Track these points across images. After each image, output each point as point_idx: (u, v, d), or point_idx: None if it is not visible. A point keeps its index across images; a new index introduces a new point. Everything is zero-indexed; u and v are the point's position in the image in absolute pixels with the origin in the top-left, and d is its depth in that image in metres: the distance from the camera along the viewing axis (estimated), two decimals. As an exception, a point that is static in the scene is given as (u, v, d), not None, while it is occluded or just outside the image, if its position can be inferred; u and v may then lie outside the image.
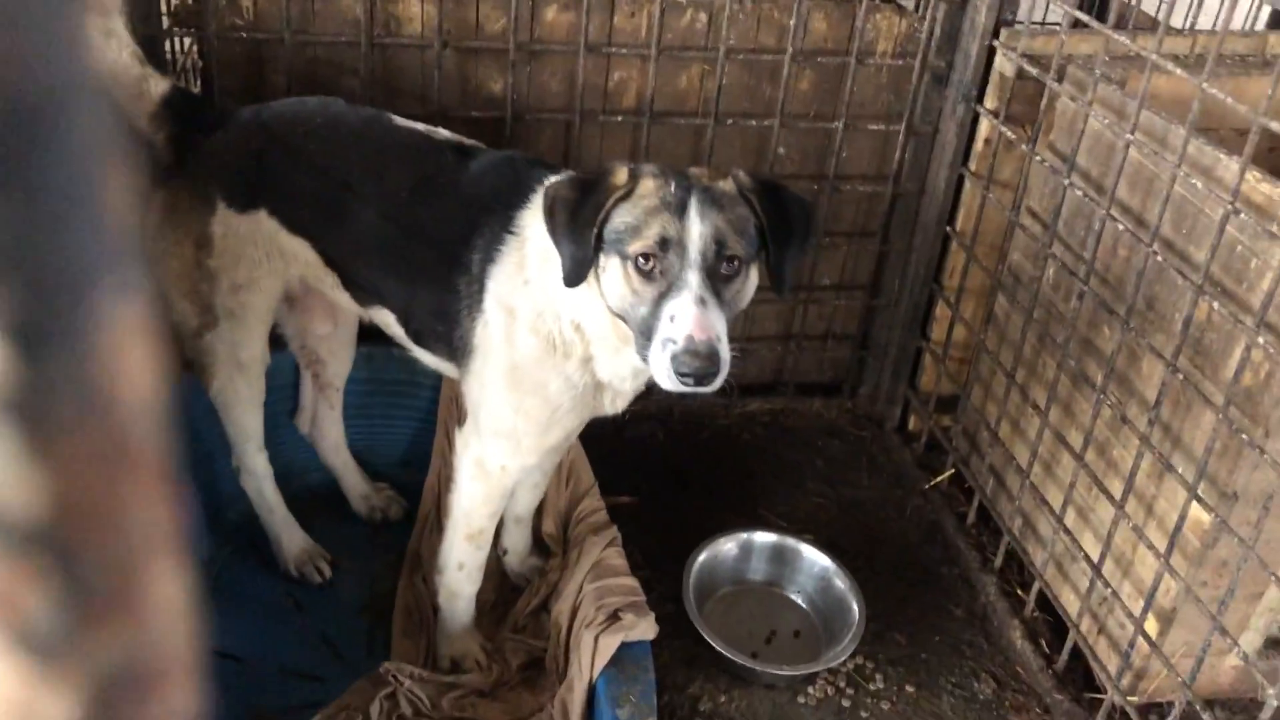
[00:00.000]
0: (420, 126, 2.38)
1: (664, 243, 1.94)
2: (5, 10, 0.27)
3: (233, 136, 2.37)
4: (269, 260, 2.42)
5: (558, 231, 2.01)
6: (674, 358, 1.89)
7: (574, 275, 2.01)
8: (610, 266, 2.00)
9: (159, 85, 2.37)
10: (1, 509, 0.30)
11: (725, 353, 1.92)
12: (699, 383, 1.90)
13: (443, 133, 2.38)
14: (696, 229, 1.95)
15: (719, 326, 1.93)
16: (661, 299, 1.94)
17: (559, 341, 2.17)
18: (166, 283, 2.47)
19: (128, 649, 0.33)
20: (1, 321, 0.29)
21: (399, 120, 2.38)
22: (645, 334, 1.96)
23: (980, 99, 3.08)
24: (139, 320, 0.32)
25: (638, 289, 1.97)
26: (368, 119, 2.39)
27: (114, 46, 2.30)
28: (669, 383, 1.92)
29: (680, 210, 1.96)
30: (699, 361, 1.87)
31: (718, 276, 1.97)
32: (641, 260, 1.95)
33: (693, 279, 1.93)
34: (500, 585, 2.84)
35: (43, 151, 0.28)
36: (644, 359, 1.98)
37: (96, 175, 0.30)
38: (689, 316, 1.90)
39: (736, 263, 1.99)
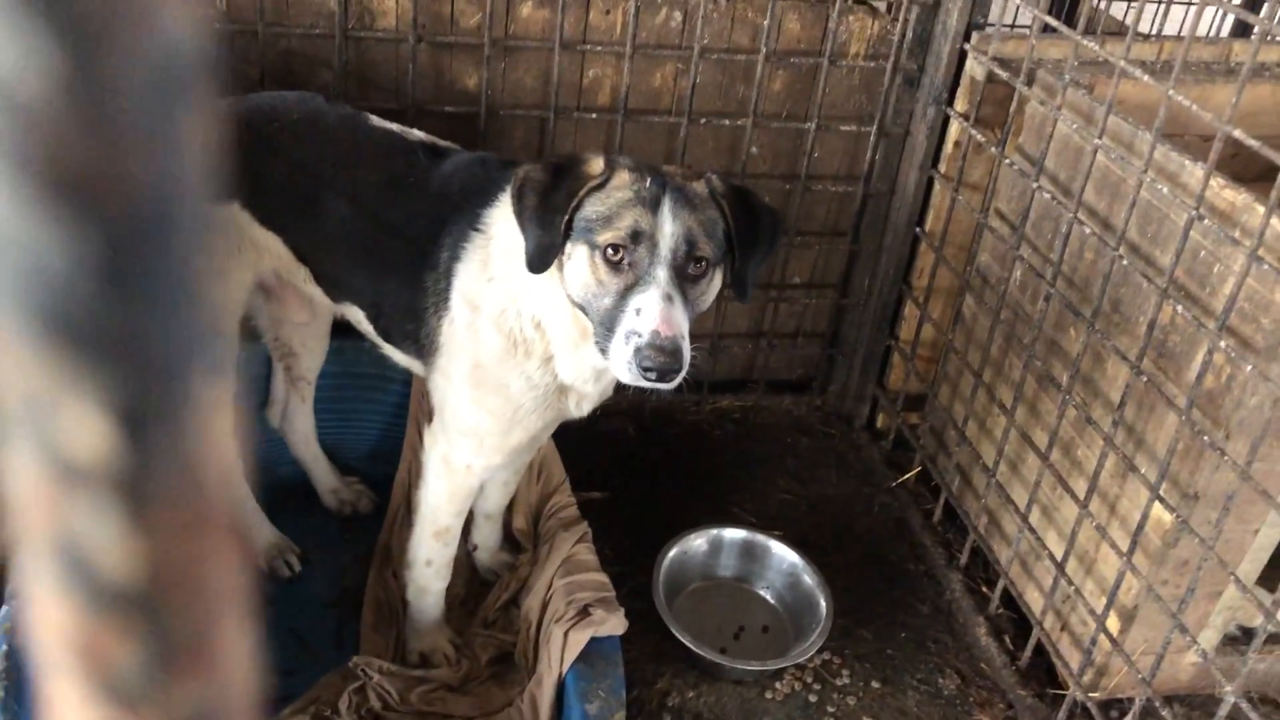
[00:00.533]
0: (395, 127, 2.38)
1: (636, 235, 1.95)
2: (133, 126, 0.29)
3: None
4: (240, 252, 2.42)
5: (525, 214, 2.00)
6: (638, 350, 1.89)
7: (538, 260, 2.00)
8: (577, 255, 2.00)
9: None
10: (101, 572, 0.33)
11: (688, 351, 1.93)
12: (660, 378, 1.91)
13: (416, 133, 2.38)
14: (669, 226, 1.96)
15: (683, 324, 1.94)
16: (628, 291, 1.94)
17: (520, 339, 2.17)
18: None
19: (202, 698, 0.36)
20: (111, 405, 0.32)
21: (375, 120, 2.38)
22: (607, 325, 1.96)
23: (951, 101, 3.11)
24: (221, 399, 0.35)
25: (603, 279, 1.97)
26: (344, 117, 2.38)
27: None
28: (628, 375, 1.93)
29: (654, 206, 1.97)
30: (663, 357, 1.88)
31: (685, 276, 1.98)
32: (610, 251, 1.96)
33: (661, 275, 1.94)
34: (470, 580, 2.85)
35: (154, 251, 0.31)
36: (603, 351, 1.97)
37: (197, 270, 0.33)
38: (655, 311, 1.91)
39: (704, 264, 2.00)
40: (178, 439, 0.33)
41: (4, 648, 1.92)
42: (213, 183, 0.33)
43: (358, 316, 2.45)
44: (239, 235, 2.39)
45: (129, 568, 0.33)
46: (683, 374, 1.93)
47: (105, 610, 0.34)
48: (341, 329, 2.79)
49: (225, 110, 2.30)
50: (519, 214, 2.01)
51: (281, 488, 2.98)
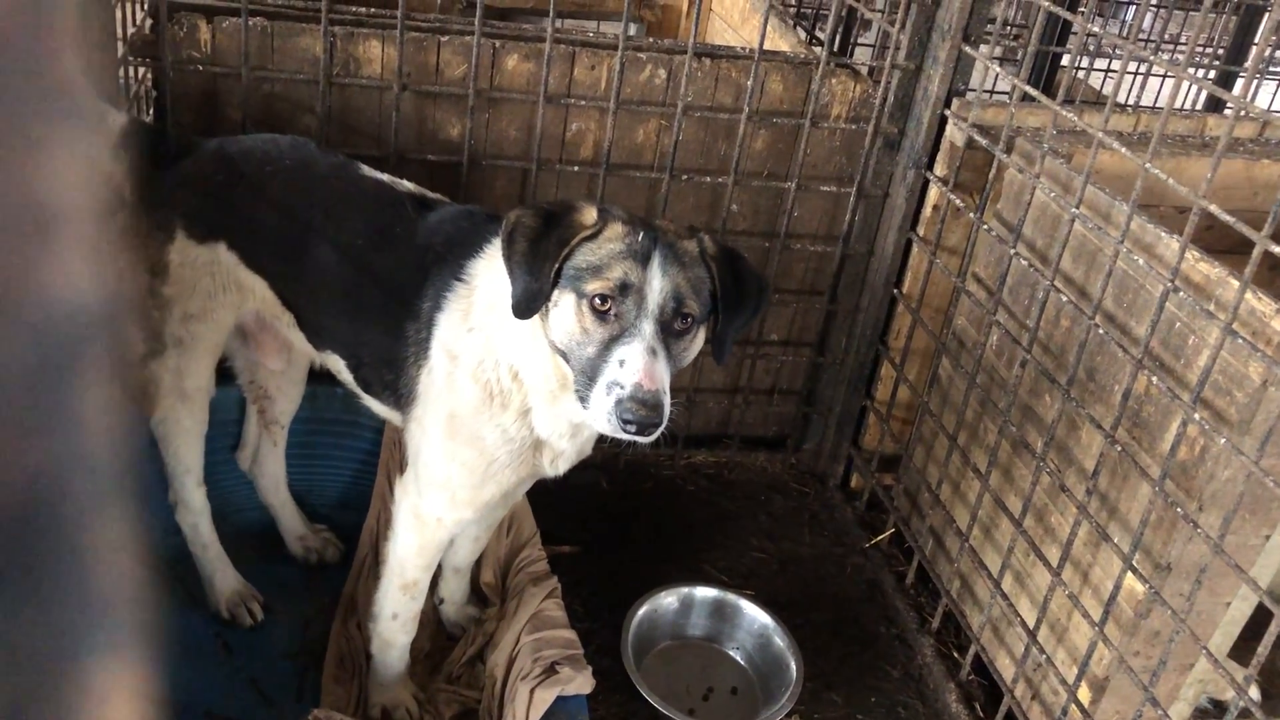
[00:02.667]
0: (385, 177, 2.38)
1: (624, 287, 1.94)
2: (4, 414, 0.25)
3: (198, 167, 2.36)
4: (224, 293, 2.40)
5: (514, 259, 1.99)
6: (619, 402, 1.88)
7: (524, 306, 1.99)
8: (564, 302, 1.99)
9: (116, 119, 2.36)
10: None
11: (668, 405, 1.92)
12: (640, 431, 1.90)
13: (406, 184, 2.38)
14: (658, 281, 1.96)
15: (665, 379, 1.93)
16: (612, 342, 1.93)
17: (496, 390, 2.16)
18: None
19: None
20: None
21: (365, 170, 2.39)
22: (589, 375, 1.95)
23: (930, 166, 3.14)
24: (129, 679, 0.31)
25: (589, 328, 1.96)
26: (335, 165, 2.38)
27: None
28: (608, 426, 1.92)
29: (645, 260, 1.96)
30: (645, 410, 1.87)
31: (670, 331, 1.97)
32: (598, 300, 1.95)
33: (647, 328, 1.93)
34: (435, 634, 2.80)
35: (29, 547, 0.27)
36: (583, 400, 1.96)
37: (88, 553, 0.29)
38: (639, 364, 1.90)
39: (689, 320, 2.00)
40: None
41: None
42: (113, 456, 0.28)
43: (338, 365, 2.43)
44: (224, 275, 2.38)
45: None
46: (662, 428, 1.92)
47: None
48: (316, 374, 2.77)
49: (216, 150, 2.31)
50: (508, 258, 2.00)
51: (247, 533, 2.94)
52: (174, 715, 2.47)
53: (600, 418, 1.92)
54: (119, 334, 0.27)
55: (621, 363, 1.91)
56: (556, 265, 1.98)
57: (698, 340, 2.07)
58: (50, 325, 0.24)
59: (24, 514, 0.26)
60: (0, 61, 0.22)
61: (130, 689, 0.30)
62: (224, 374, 2.69)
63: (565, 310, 1.98)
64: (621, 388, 1.89)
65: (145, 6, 2.76)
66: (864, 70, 3.20)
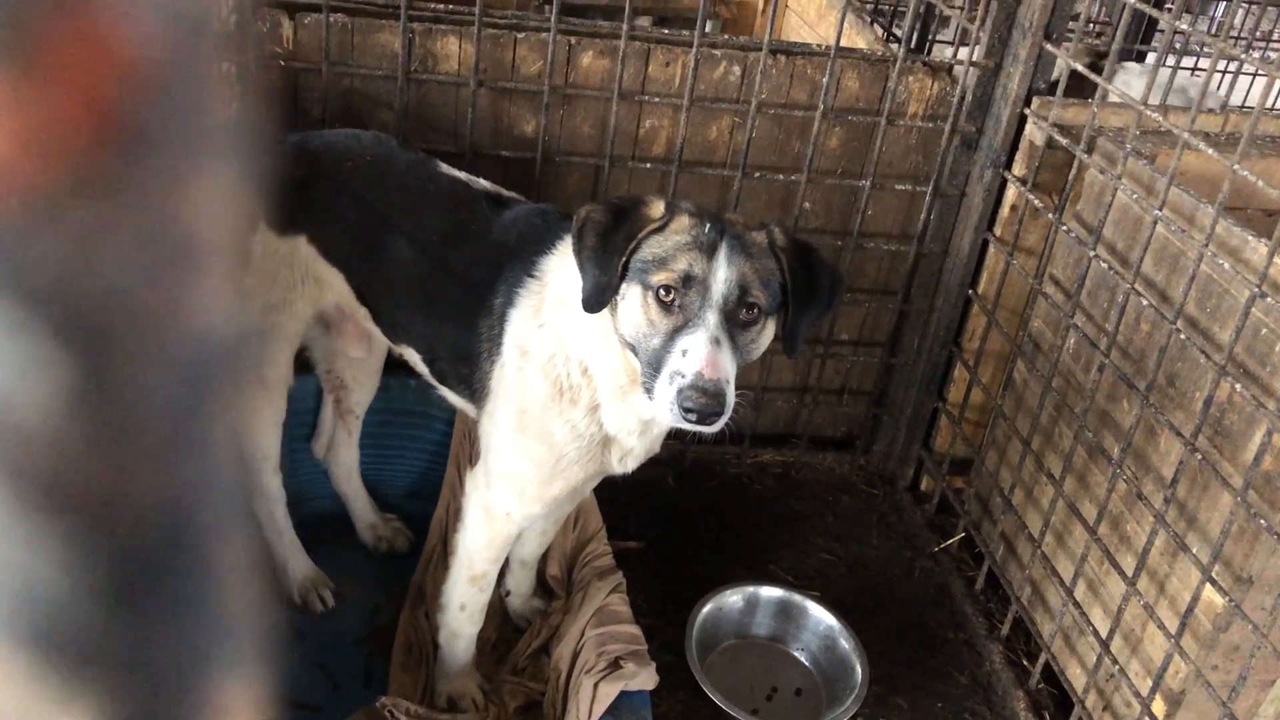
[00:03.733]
0: (462, 175, 2.41)
1: (688, 279, 1.95)
2: (150, 438, 0.26)
3: (280, 161, 2.41)
4: (303, 284, 2.45)
5: (584, 254, 2.01)
6: (680, 391, 1.89)
7: (594, 300, 2.01)
8: (631, 295, 2.00)
9: None
10: None
11: (731, 396, 1.91)
12: (701, 420, 1.89)
13: (482, 183, 2.41)
14: (722, 271, 1.95)
15: (729, 369, 1.93)
16: (676, 333, 1.94)
17: (566, 386, 2.17)
18: None
19: None
20: (100, 716, 0.28)
21: (443, 167, 2.42)
22: (654, 365, 1.95)
23: (1009, 165, 3.09)
24: (250, 693, 0.31)
25: (654, 319, 1.97)
26: (414, 162, 2.42)
27: None
28: (670, 415, 1.92)
29: (710, 251, 1.97)
30: (705, 399, 1.87)
31: (735, 321, 1.97)
32: (662, 291, 1.96)
33: (711, 318, 1.93)
34: (501, 625, 2.83)
35: (167, 567, 0.28)
36: (648, 391, 1.97)
37: (219, 574, 0.29)
38: (702, 353, 1.90)
39: (756, 310, 1.99)
40: None
41: None
42: (239, 478, 0.29)
43: (414, 358, 2.47)
44: (302, 268, 2.43)
45: None
46: (725, 418, 1.91)
47: None
48: (390, 365, 2.81)
49: (299, 144, 2.35)
50: (578, 253, 2.02)
51: (319, 520, 2.99)
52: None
53: (663, 407, 1.93)
54: (248, 361, 0.28)
55: (685, 352, 1.91)
56: (624, 259, 1.99)
57: (767, 332, 2.05)
58: (192, 354, 0.25)
59: (163, 535, 0.27)
60: (156, 101, 0.24)
61: (252, 703, 0.31)
62: (301, 363, 2.74)
63: (632, 302, 1.99)
64: (683, 376, 1.89)
65: (230, 2, 2.82)
66: (942, 68, 3.15)
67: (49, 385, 0.25)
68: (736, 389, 1.95)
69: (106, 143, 0.24)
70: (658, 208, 2.03)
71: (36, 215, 0.23)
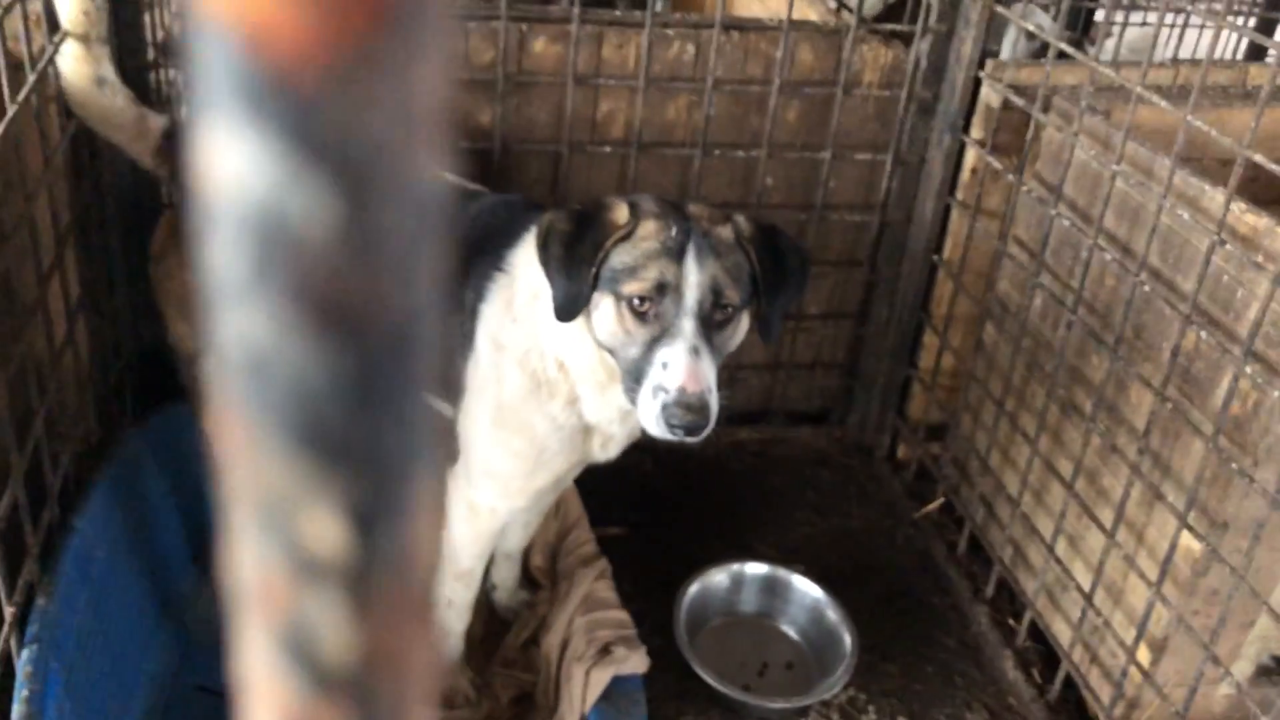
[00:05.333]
0: None
1: (661, 287, 1.93)
2: (394, 260, 0.34)
3: None
4: None
5: (551, 265, 1.99)
6: (665, 407, 1.88)
7: (566, 310, 1.99)
8: (603, 305, 1.98)
9: (157, 122, 2.38)
10: (324, 657, 0.37)
11: (715, 404, 1.92)
12: (689, 434, 1.90)
13: (448, 177, 2.38)
14: (694, 276, 1.94)
15: (710, 377, 1.92)
16: (654, 343, 1.93)
17: (544, 380, 2.16)
18: (166, 305, 2.47)
19: None
20: (348, 507, 0.35)
21: None
22: (634, 376, 1.95)
23: (966, 129, 3.10)
24: (435, 495, 0.38)
25: (630, 330, 1.96)
26: None
27: (108, 93, 2.30)
28: (657, 430, 1.92)
29: (679, 255, 1.95)
30: (691, 415, 1.87)
31: (711, 324, 1.96)
32: (637, 302, 1.94)
33: (688, 327, 1.92)
34: (489, 619, 2.82)
35: (398, 369, 0.35)
36: (630, 401, 1.97)
37: (425, 389, 0.37)
38: (682, 367, 1.89)
39: (730, 309, 1.99)
40: (400, 536, 0.37)
41: (25, 693, 1.91)
42: (435, 309, 0.37)
43: None
44: None
45: (348, 653, 0.37)
46: (710, 427, 1.92)
47: (323, 691, 0.37)
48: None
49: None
50: (545, 264, 2.00)
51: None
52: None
53: (649, 421, 1.93)
54: (448, 215, 0.36)
55: (664, 365, 1.90)
56: (594, 269, 1.97)
57: (741, 327, 2.05)
58: (422, 197, 0.34)
59: (399, 344, 0.35)
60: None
61: (438, 497, 0.39)
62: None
63: (606, 312, 1.98)
64: (666, 392, 1.89)
65: (173, 9, 2.78)
66: (895, 35, 3.16)
67: (327, 219, 0.32)
68: (718, 373, 1.95)
69: (379, 27, 0.31)
70: (621, 211, 2.00)
71: (328, 86, 0.31)
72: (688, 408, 1.87)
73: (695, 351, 1.91)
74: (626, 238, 1.98)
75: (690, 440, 1.92)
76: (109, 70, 2.30)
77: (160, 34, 2.85)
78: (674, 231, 1.97)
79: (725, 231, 2.02)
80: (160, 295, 2.49)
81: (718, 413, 1.93)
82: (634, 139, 3.02)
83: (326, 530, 0.35)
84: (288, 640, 0.37)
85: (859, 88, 3.12)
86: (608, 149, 3.05)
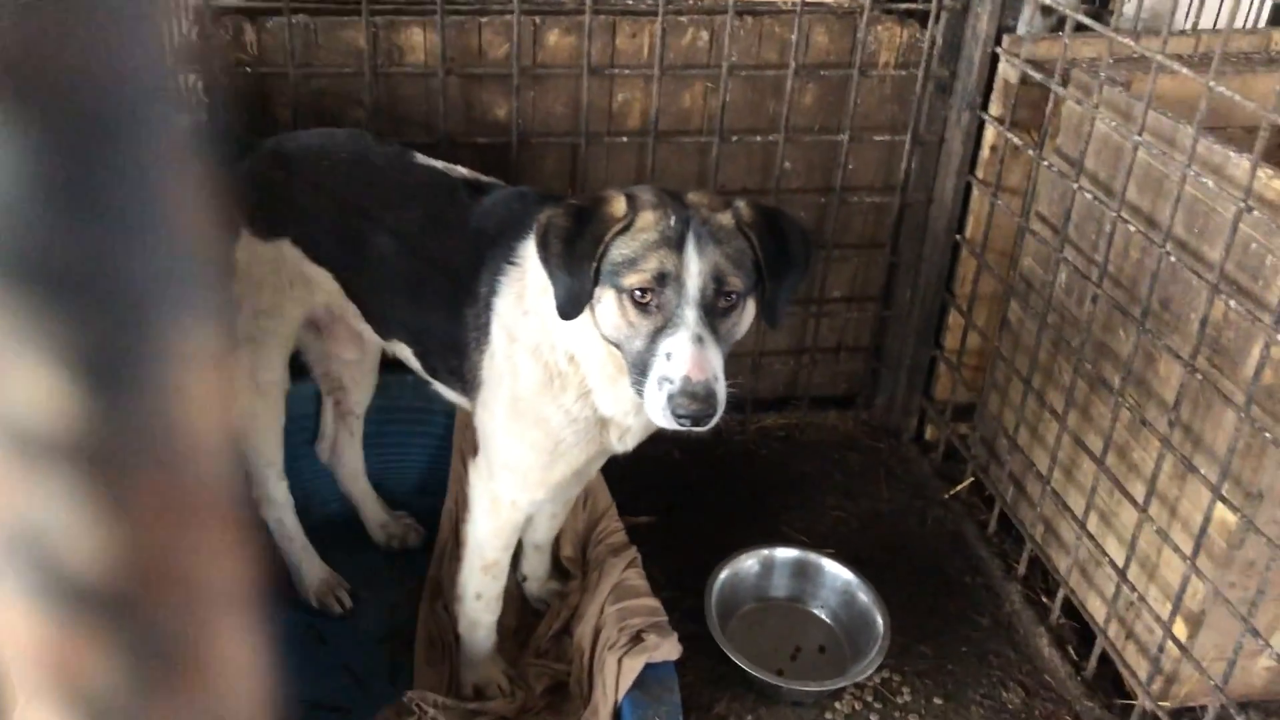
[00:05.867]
0: (439, 164, 2.39)
1: (662, 278, 1.92)
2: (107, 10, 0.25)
3: (257, 166, 2.41)
4: (291, 288, 2.45)
5: (552, 262, 1.97)
6: (671, 398, 1.87)
7: (569, 307, 1.98)
8: (605, 299, 1.97)
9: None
10: (70, 567, 0.27)
11: (722, 392, 1.89)
12: (696, 424, 1.88)
13: (460, 170, 2.39)
14: (695, 265, 1.92)
15: (716, 365, 1.90)
16: (658, 334, 1.91)
17: (555, 373, 2.15)
18: None
19: (198, 717, 0.30)
20: (66, 352, 0.26)
21: (420, 158, 2.40)
22: (639, 368, 1.93)
23: (985, 106, 3.08)
24: (210, 351, 0.28)
25: (634, 322, 1.94)
26: (390, 155, 2.41)
27: None
28: (664, 421, 1.91)
29: (679, 244, 1.93)
30: (697, 404, 1.86)
31: (715, 312, 1.94)
32: (638, 294, 1.92)
33: (690, 316, 1.90)
34: (521, 610, 2.83)
35: (113, 160, 0.26)
36: (638, 393, 1.95)
37: (169, 189, 0.27)
38: (686, 356, 1.87)
39: (734, 297, 1.96)
40: (155, 398, 0.27)
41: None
42: (175, 89, 0.26)
43: (406, 354, 2.46)
44: (289, 271, 2.42)
45: (103, 560, 0.27)
46: (718, 415, 1.90)
47: (78, 614, 0.27)
48: (387, 363, 2.80)
49: (274, 148, 2.34)
50: (545, 261, 1.99)
51: (330, 524, 2.99)
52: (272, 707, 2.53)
53: (655, 412, 1.91)
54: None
55: (669, 356, 1.89)
56: (595, 264, 1.95)
57: (747, 314, 2.03)
58: None
59: (101, 121, 0.25)
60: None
61: (213, 359, 0.28)
62: (298, 368, 2.74)
63: (608, 306, 1.97)
64: (671, 383, 1.87)
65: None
66: (910, 14, 3.13)
67: None
68: (731, 358, 1.94)
69: None
70: (619, 204, 1.98)
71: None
72: (693, 397, 1.85)
73: (699, 340, 1.89)
74: (625, 230, 1.96)
75: (698, 430, 1.91)
76: None
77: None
78: (673, 221, 1.95)
79: (725, 218, 1.99)
80: None
81: (725, 401, 1.90)
82: (651, 128, 3.01)
83: (44, 389, 0.26)
84: (22, 547, 0.27)
85: (875, 68, 3.10)
86: (625, 139, 3.05)
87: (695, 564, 2.90)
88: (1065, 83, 2.76)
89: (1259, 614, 2.28)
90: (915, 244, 3.37)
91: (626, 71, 2.95)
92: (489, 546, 2.42)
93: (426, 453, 3.11)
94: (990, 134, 3.10)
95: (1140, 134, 2.46)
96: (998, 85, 3.05)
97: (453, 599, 2.58)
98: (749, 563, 2.91)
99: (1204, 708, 2.44)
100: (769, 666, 2.69)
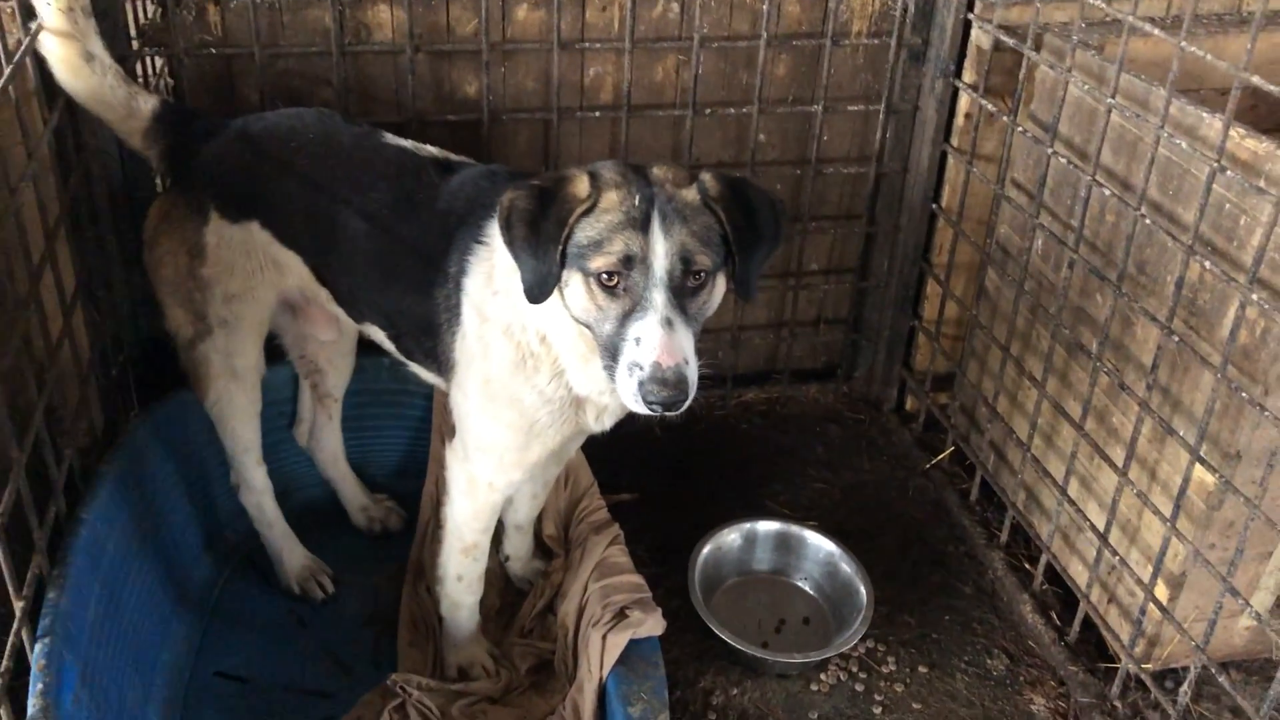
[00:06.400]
0: (408, 144, 2.36)
1: (628, 261, 1.88)
2: None
3: (225, 148, 2.37)
4: (262, 271, 2.42)
5: (516, 245, 1.94)
6: (641, 385, 1.84)
7: (536, 291, 1.94)
8: (573, 282, 1.94)
9: (148, 102, 2.38)
10: None
11: (693, 375, 1.87)
12: (667, 409, 1.86)
13: (429, 149, 2.36)
14: (661, 246, 1.89)
15: (687, 348, 1.88)
16: (626, 318, 1.88)
17: (528, 353, 2.13)
18: (161, 290, 2.46)
19: None
20: None
21: (389, 137, 2.37)
22: (610, 352, 1.91)
23: (959, 73, 3.06)
24: None
25: (602, 305, 1.91)
26: (359, 136, 2.37)
27: (97, 69, 2.30)
28: (636, 406, 1.89)
29: (644, 225, 1.89)
30: (667, 391, 1.83)
31: (684, 292, 1.91)
32: (605, 277, 1.89)
33: (658, 299, 1.87)
34: (504, 590, 2.82)
35: None
36: (610, 377, 1.93)
37: None
38: (655, 341, 1.85)
39: (703, 275, 1.93)
40: None
41: (40, 685, 1.91)
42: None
43: (380, 336, 2.44)
44: (260, 254, 2.40)
45: None
46: (689, 400, 1.87)
47: None
48: (363, 346, 2.78)
49: (241, 130, 2.31)
50: (510, 244, 1.95)
51: (310, 510, 2.98)
52: (256, 692, 2.52)
53: (628, 398, 1.89)
54: None
55: (638, 340, 1.86)
56: (560, 247, 1.92)
57: (717, 290, 2.00)
58: None
59: None
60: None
61: None
62: (275, 352, 2.71)
63: (576, 289, 1.94)
64: (641, 369, 1.85)
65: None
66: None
67: None
68: (711, 333, 1.90)
69: None
70: (582, 184, 1.94)
71: None
72: (663, 383, 1.83)
73: (668, 324, 1.86)
74: (589, 211, 1.92)
75: (670, 415, 1.88)
76: (97, 45, 2.29)
77: (142, 21, 2.83)
78: (637, 200, 1.91)
79: (690, 194, 1.95)
80: (155, 281, 2.48)
81: (697, 383, 1.88)
82: (623, 102, 2.99)
83: None
84: None
85: (848, 38, 3.08)
86: (597, 114, 3.02)
87: (679, 540, 2.89)
88: (1038, 47, 2.75)
89: (1238, 574, 2.29)
90: (892, 214, 3.35)
91: (597, 45, 2.92)
92: (468, 529, 2.40)
93: (406, 435, 3.09)
94: (964, 101, 3.09)
95: (1114, 97, 2.45)
96: (971, 52, 3.03)
97: (434, 581, 2.56)
98: (732, 537, 2.91)
99: (1186, 669, 2.45)
100: (754, 640, 2.69)
